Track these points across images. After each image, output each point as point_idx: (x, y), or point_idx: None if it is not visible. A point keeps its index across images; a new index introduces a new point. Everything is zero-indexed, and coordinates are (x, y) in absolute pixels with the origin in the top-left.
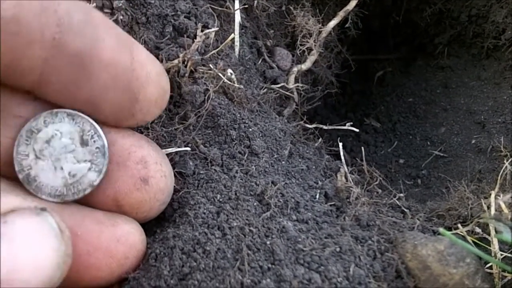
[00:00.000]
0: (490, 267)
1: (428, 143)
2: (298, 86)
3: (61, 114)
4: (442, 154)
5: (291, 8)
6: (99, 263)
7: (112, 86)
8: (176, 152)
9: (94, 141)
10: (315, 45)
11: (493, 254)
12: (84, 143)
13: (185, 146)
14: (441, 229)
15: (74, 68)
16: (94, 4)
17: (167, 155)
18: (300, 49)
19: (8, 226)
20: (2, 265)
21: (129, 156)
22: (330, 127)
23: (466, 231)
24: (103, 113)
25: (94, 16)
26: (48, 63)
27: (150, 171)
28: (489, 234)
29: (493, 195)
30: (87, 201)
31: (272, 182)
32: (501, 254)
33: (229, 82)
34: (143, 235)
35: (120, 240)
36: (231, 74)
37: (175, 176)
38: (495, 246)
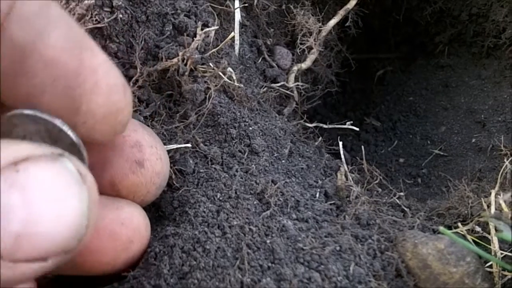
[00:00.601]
0: (490, 266)
1: (428, 142)
2: (298, 85)
3: (20, 117)
4: (442, 153)
5: (291, 7)
6: (104, 247)
7: (50, 88)
8: (176, 150)
9: (63, 138)
10: (315, 44)
11: (493, 253)
12: (54, 140)
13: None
14: (441, 228)
15: (14, 60)
16: (93, 1)
17: (168, 152)
18: (300, 48)
19: (20, 175)
20: (16, 217)
21: (124, 140)
22: (330, 126)
23: (466, 230)
24: None
25: (51, 11)
26: None
27: (145, 154)
28: (489, 233)
29: (493, 194)
30: None
31: (272, 181)
32: (501, 253)
33: (229, 81)
34: (147, 219)
35: (124, 223)
36: (231, 72)
37: (175, 174)
38: (495, 245)
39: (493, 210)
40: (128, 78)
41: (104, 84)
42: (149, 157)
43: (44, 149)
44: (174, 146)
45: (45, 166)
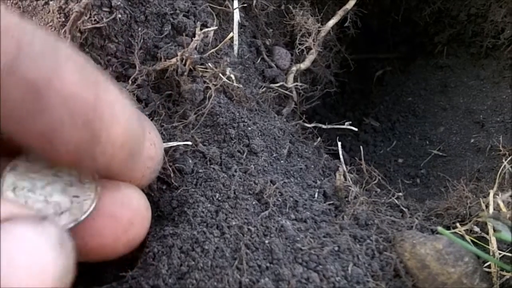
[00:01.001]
0: (489, 266)
1: (427, 142)
2: (297, 85)
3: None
4: (441, 154)
5: (290, 7)
6: (104, 229)
7: (68, 122)
8: (176, 149)
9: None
10: (314, 44)
11: (491, 253)
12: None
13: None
14: (439, 228)
15: (29, 98)
16: (91, 0)
17: (167, 151)
18: (299, 48)
19: (5, 234)
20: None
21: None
22: (329, 126)
23: (464, 230)
24: (58, 151)
25: (59, 47)
26: (3, 91)
27: None
28: (487, 233)
29: (491, 194)
30: None
31: (271, 181)
32: (500, 253)
33: (228, 81)
34: (146, 200)
35: (124, 204)
36: (230, 73)
37: (174, 173)
38: (493, 245)
39: (491, 210)
40: (127, 77)
41: (122, 116)
42: None
43: (28, 211)
44: (175, 143)
45: (28, 229)
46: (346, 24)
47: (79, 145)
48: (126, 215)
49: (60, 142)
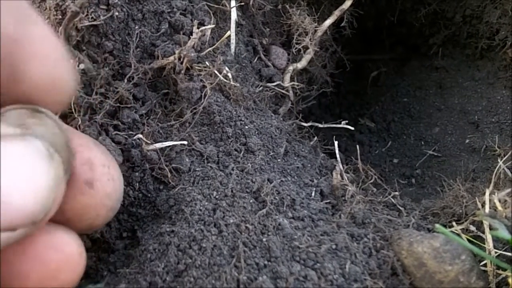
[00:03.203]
0: (485, 265)
1: (422, 142)
2: (293, 84)
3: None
4: (436, 154)
5: (287, 6)
6: (29, 272)
7: None
8: (172, 148)
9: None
10: (311, 44)
11: (487, 252)
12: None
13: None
14: (437, 225)
15: None
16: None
17: (164, 149)
18: (296, 48)
19: None
20: None
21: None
22: (326, 125)
23: (460, 229)
24: None
25: None
26: None
27: (96, 174)
28: (483, 232)
29: (487, 193)
30: None
31: (268, 180)
32: (496, 252)
33: (225, 80)
34: (81, 248)
35: (54, 249)
36: (227, 71)
37: (170, 172)
38: (489, 244)
39: (487, 209)
40: (124, 76)
41: (43, 53)
42: (100, 177)
43: (15, 128)
44: (170, 143)
45: (15, 144)
46: (342, 24)
47: (4, 84)
48: (55, 259)
49: None
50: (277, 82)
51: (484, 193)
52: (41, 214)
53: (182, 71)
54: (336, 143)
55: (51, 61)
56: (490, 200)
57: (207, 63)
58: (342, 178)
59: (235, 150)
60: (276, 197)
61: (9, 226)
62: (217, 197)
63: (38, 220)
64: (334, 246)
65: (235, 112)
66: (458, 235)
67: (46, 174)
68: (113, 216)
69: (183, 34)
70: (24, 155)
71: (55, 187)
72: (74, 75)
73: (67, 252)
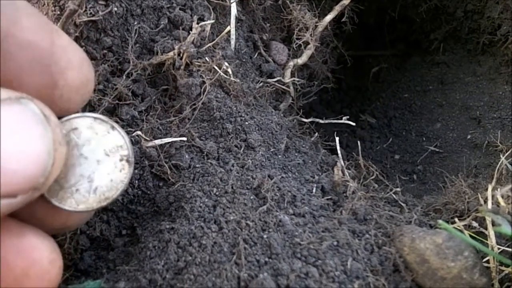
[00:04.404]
0: (488, 261)
1: (424, 138)
2: (294, 80)
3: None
4: (437, 150)
5: (287, 2)
6: None
7: (27, 69)
8: (172, 145)
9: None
10: (311, 39)
11: (490, 248)
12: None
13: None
14: (440, 221)
15: None
16: None
17: (163, 146)
18: (297, 43)
19: None
20: None
21: None
22: (327, 121)
23: (463, 225)
24: None
25: (16, 1)
26: None
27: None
28: (486, 228)
29: (490, 188)
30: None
31: (269, 176)
32: (498, 248)
33: (225, 76)
34: (54, 253)
35: (21, 253)
36: (227, 67)
37: (170, 169)
38: (492, 240)
39: (490, 204)
40: (123, 71)
41: (75, 60)
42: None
43: (9, 93)
44: (169, 139)
45: (10, 108)
46: (343, 20)
47: (41, 90)
48: (20, 265)
49: (23, 88)
50: (278, 78)
51: (486, 189)
52: (41, 178)
53: (182, 67)
54: (337, 139)
55: (81, 65)
56: (492, 196)
57: (206, 58)
58: (343, 174)
59: (235, 146)
60: (277, 194)
61: (10, 192)
62: (217, 193)
63: (39, 186)
64: (335, 243)
65: (235, 108)
66: (461, 231)
67: (44, 137)
68: (88, 218)
69: (183, 29)
70: (21, 119)
71: (54, 151)
72: (93, 73)
73: (34, 257)
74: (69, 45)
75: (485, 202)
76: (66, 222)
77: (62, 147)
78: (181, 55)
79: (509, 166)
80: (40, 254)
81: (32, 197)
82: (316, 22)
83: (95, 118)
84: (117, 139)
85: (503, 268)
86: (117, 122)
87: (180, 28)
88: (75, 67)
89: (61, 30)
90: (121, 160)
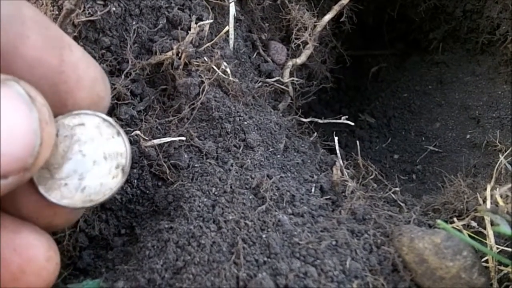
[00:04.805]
0: (486, 261)
1: (423, 138)
2: (293, 80)
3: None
4: (436, 149)
5: (286, 1)
6: None
7: (37, 87)
8: (170, 144)
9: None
10: (310, 39)
11: (489, 248)
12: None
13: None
14: (438, 221)
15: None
16: None
17: (162, 146)
18: (295, 43)
19: None
20: None
21: None
22: (326, 121)
23: (462, 225)
24: None
25: (24, 13)
26: None
27: None
28: (484, 228)
29: (488, 188)
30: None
31: (268, 176)
32: (497, 248)
33: (224, 75)
34: (51, 250)
35: (16, 250)
36: (225, 67)
37: (169, 168)
38: (491, 239)
39: (489, 204)
40: (122, 71)
41: (86, 78)
42: None
43: None
44: (168, 139)
45: None
46: (342, 19)
47: (51, 108)
48: (17, 261)
49: None
50: (277, 78)
51: (485, 189)
52: (30, 160)
53: (180, 67)
54: (336, 138)
55: (93, 83)
56: (491, 196)
57: (205, 58)
58: (342, 174)
59: (234, 146)
60: (276, 193)
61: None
62: (216, 193)
63: (29, 165)
64: (334, 243)
65: (234, 108)
66: (459, 231)
67: (28, 117)
68: (74, 220)
69: (181, 29)
70: (5, 101)
71: (41, 130)
72: (109, 89)
73: (30, 255)
74: (81, 62)
75: (484, 201)
76: (52, 220)
77: (49, 127)
78: (179, 55)
79: (508, 165)
80: (37, 251)
81: (24, 178)
82: (315, 22)
83: (104, 119)
84: (119, 146)
85: (502, 267)
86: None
87: (179, 28)
88: (86, 86)
89: (75, 44)
90: (116, 167)
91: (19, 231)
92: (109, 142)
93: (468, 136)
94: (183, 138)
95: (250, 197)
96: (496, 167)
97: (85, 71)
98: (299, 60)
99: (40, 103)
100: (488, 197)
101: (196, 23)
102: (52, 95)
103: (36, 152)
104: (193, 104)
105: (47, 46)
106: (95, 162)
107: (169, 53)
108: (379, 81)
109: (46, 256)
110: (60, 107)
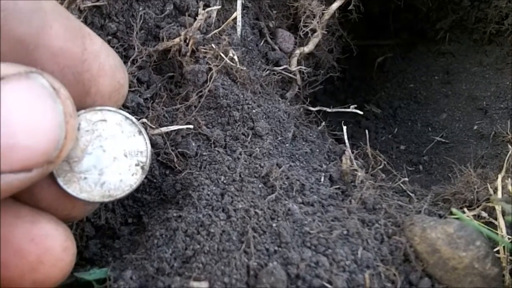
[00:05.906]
0: (497, 252)
1: (429, 129)
2: (300, 68)
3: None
4: (443, 140)
5: None
6: (9, 262)
7: (59, 76)
8: (178, 132)
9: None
10: (318, 27)
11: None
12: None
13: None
14: (453, 209)
15: (19, 56)
16: None
17: (169, 134)
18: (303, 31)
19: None
20: None
21: None
22: (334, 110)
23: (472, 215)
24: None
25: (44, 5)
26: None
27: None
28: (495, 219)
29: (499, 178)
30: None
31: (277, 164)
32: (508, 238)
33: (231, 63)
34: (68, 241)
35: (34, 240)
36: (233, 54)
37: (177, 156)
38: (502, 230)
39: (500, 194)
40: (128, 58)
41: (108, 66)
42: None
43: (18, 67)
44: (176, 127)
45: (19, 83)
46: (349, 8)
47: (72, 97)
48: (34, 252)
49: None
50: (284, 66)
51: (495, 179)
52: (55, 153)
53: (188, 54)
54: (344, 128)
55: (113, 71)
56: (503, 186)
57: (213, 45)
58: (352, 163)
59: (243, 134)
60: (285, 182)
61: (23, 166)
62: (225, 181)
63: (53, 158)
64: (345, 232)
65: (242, 96)
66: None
67: (54, 110)
68: (92, 211)
69: (189, 15)
70: (30, 94)
71: (65, 123)
72: (127, 76)
73: (47, 245)
74: (102, 51)
75: (495, 192)
76: (71, 212)
77: (73, 120)
78: (187, 41)
79: None
80: (54, 242)
81: (47, 171)
82: (323, 10)
83: (126, 117)
84: (140, 144)
85: None
86: (121, 109)
87: (186, 14)
88: (107, 73)
89: (94, 34)
90: (137, 165)
91: (37, 221)
92: (130, 140)
93: (475, 127)
94: (191, 126)
95: (260, 185)
96: (506, 157)
97: (106, 59)
98: (307, 49)
99: (64, 95)
100: (500, 187)
101: (203, 9)
102: (75, 83)
103: (60, 145)
104: (200, 91)
105: (69, 36)
106: (115, 158)
107: (177, 40)
108: (385, 71)
109: (64, 246)
110: (83, 95)
